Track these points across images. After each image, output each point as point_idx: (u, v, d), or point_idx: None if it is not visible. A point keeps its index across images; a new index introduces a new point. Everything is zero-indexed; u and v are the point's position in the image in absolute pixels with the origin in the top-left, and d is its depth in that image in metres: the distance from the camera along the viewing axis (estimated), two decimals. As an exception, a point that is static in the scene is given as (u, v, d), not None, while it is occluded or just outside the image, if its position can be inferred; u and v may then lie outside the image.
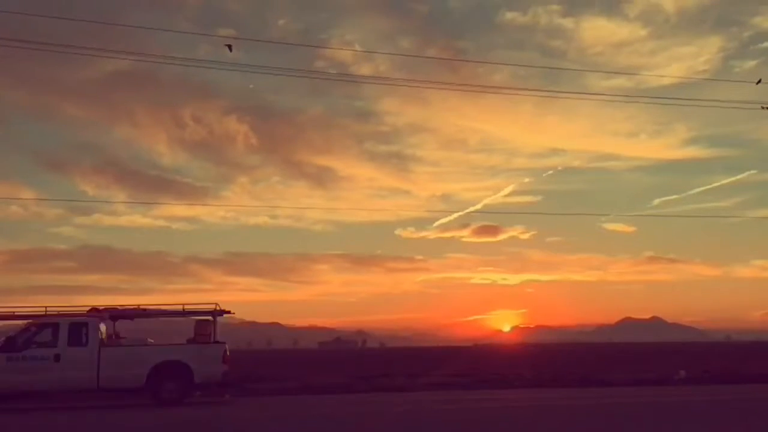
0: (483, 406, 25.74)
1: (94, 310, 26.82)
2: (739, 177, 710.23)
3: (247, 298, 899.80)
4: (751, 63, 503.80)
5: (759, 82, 30.41)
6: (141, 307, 28.18)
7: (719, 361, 60.57)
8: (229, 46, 29.93)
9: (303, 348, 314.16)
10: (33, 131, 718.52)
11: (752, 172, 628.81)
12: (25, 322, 26.59)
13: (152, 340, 28.05)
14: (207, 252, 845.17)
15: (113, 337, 27.67)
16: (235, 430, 20.39)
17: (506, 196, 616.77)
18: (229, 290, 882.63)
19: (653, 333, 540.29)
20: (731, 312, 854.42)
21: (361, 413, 23.65)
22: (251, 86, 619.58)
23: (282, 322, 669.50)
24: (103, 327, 26.67)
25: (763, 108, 29.96)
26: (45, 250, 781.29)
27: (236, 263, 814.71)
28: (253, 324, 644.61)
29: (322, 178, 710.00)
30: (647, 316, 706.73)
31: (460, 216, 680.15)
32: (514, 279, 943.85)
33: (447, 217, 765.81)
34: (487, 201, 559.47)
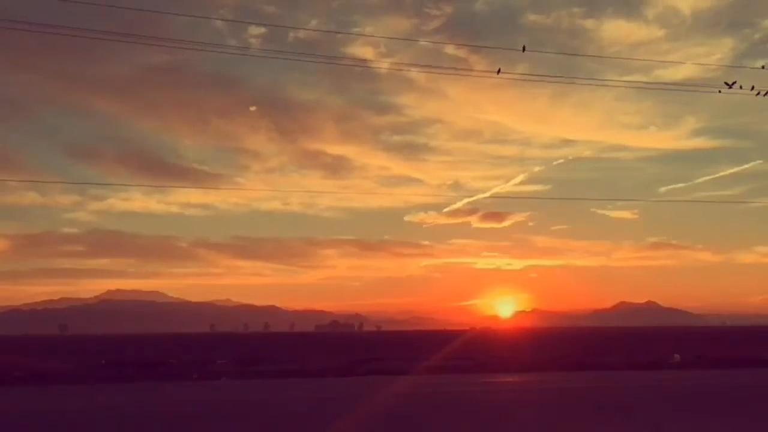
0: (468, 390, 25.92)
1: None
2: (745, 167, 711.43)
3: (253, 282, 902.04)
4: (762, 62, 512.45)
5: (763, 67, 30.97)
6: None
7: (713, 346, 61.01)
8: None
9: (300, 331, 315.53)
10: (62, 123, 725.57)
11: (759, 162, 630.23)
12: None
13: None
14: (215, 237, 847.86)
15: None
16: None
17: (516, 185, 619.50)
18: (235, 274, 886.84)
19: (648, 318, 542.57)
20: (728, 298, 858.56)
21: (357, 395, 23.76)
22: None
23: (279, 305, 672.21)
24: None
25: (758, 94, 30.07)
26: (56, 235, 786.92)
27: (245, 248, 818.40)
28: (250, 307, 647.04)
29: (336, 167, 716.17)
30: (642, 301, 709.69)
31: (468, 203, 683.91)
32: (517, 264, 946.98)
33: (455, 204, 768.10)
34: (496, 189, 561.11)
